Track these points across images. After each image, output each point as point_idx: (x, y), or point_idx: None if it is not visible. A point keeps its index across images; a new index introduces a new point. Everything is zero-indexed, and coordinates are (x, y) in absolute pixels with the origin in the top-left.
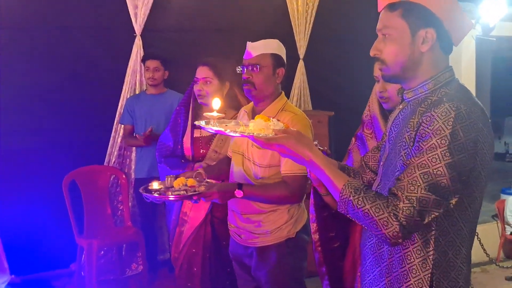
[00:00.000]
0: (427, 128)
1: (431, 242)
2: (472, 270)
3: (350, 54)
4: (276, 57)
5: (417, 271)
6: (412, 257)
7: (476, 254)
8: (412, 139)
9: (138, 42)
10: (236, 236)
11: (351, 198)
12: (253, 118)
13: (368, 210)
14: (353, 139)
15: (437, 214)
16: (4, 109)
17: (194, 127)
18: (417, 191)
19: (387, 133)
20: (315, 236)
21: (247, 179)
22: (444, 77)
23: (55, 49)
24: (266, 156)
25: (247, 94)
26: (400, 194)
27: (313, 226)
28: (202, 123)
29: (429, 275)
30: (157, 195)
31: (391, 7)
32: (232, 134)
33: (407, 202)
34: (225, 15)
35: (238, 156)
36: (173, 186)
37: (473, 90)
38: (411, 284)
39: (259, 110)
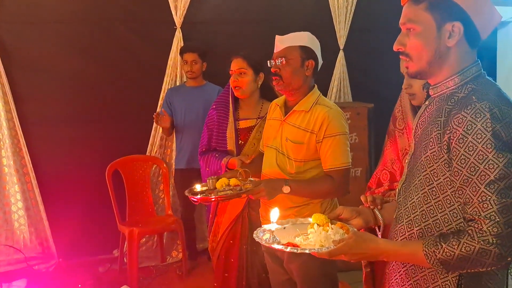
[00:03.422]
0: (465, 132)
1: None
2: None
3: (391, 45)
4: (305, 49)
5: (445, 273)
6: None
7: None
8: (440, 139)
9: (178, 35)
10: None
11: (438, 255)
12: (286, 113)
13: (460, 254)
14: (386, 136)
15: None
16: (48, 99)
17: (235, 119)
18: (492, 205)
19: (413, 131)
20: (366, 270)
21: (281, 174)
22: (471, 72)
23: (97, 41)
24: (301, 151)
25: (276, 87)
26: (477, 218)
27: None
28: (259, 235)
29: (457, 277)
30: (202, 196)
31: (415, 0)
32: (292, 250)
33: (488, 221)
34: (264, 7)
35: (272, 151)
36: (215, 188)
37: None
38: (439, 285)
39: (291, 104)
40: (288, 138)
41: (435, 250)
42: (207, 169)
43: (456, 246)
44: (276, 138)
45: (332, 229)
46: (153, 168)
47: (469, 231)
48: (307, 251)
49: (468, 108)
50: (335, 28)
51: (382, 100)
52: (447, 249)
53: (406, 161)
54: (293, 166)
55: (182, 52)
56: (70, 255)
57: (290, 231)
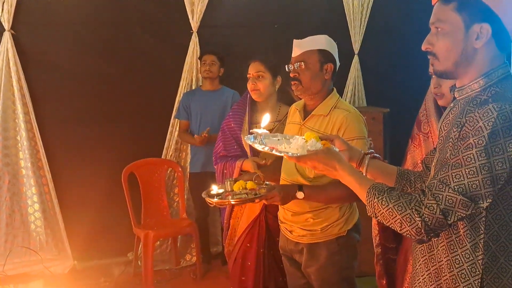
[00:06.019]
0: (468, 128)
1: (480, 246)
2: None
3: (407, 49)
4: (323, 53)
5: (467, 276)
6: (461, 261)
7: None
8: (456, 138)
9: (194, 39)
10: (287, 232)
11: (376, 199)
12: (305, 117)
13: (392, 209)
14: (410, 140)
15: (463, 215)
16: (65, 101)
17: (251, 123)
18: (445, 189)
19: (438, 133)
20: (377, 250)
21: (300, 178)
22: (497, 75)
23: (115, 44)
24: None
25: (295, 92)
26: (428, 191)
27: (376, 240)
28: (250, 139)
29: (479, 280)
30: (218, 199)
31: (445, 0)
32: (268, 150)
33: (432, 199)
34: (279, 10)
35: None
36: (233, 190)
37: None
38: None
39: (310, 108)
40: (308, 141)
41: (376, 194)
42: (225, 171)
43: (393, 201)
44: None
45: (311, 142)
46: (168, 172)
47: (413, 197)
48: (280, 154)
49: (481, 108)
50: (350, 32)
51: (397, 105)
52: (385, 199)
53: (433, 163)
54: (311, 170)
55: (202, 54)
56: (85, 258)
57: (281, 141)
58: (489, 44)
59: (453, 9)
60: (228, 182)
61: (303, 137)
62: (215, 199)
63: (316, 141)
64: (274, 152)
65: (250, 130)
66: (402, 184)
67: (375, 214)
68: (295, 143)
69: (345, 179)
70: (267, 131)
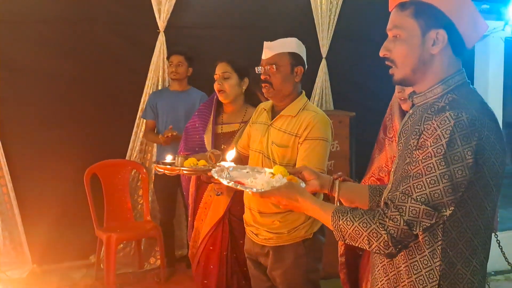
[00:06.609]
0: (426, 136)
1: (438, 252)
2: (495, 278)
3: (374, 54)
4: (294, 56)
5: (425, 282)
6: (419, 267)
7: (499, 262)
8: (415, 146)
9: (161, 38)
10: (253, 235)
11: (340, 222)
12: (273, 117)
13: (357, 227)
14: (375, 145)
15: (428, 224)
16: (26, 100)
17: (215, 123)
18: (407, 200)
19: (397, 140)
20: (341, 259)
21: None
22: (454, 81)
23: (78, 42)
24: (286, 155)
25: (266, 94)
26: (391, 203)
27: (341, 249)
28: (214, 174)
29: (436, 286)
30: (168, 166)
31: (402, 6)
32: (233, 186)
33: (395, 211)
34: (247, 12)
35: (257, 154)
36: (183, 166)
37: (500, 94)
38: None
39: (278, 109)
40: (274, 142)
41: (340, 216)
42: None
43: (357, 220)
44: (262, 142)
45: (277, 177)
46: (132, 173)
47: (376, 211)
48: (246, 190)
49: (438, 116)
50: (318, 36)
51: (364, 109)
52: (350, 219)
53: (392, 170)
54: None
55: (169, 54)
56: (45, 261)
57: (249, 174)
58: (446, 50)
59: (409, 15)
60: (179, 159)
61: (272, 170)
62: (168, 166)
63: (282, 176)
64: (239, 187)
65: (217, 164)
66: (376, 201)
67: (343, 237)
68: (261, 178)
69: (309, 210)
70: (234, 164)
